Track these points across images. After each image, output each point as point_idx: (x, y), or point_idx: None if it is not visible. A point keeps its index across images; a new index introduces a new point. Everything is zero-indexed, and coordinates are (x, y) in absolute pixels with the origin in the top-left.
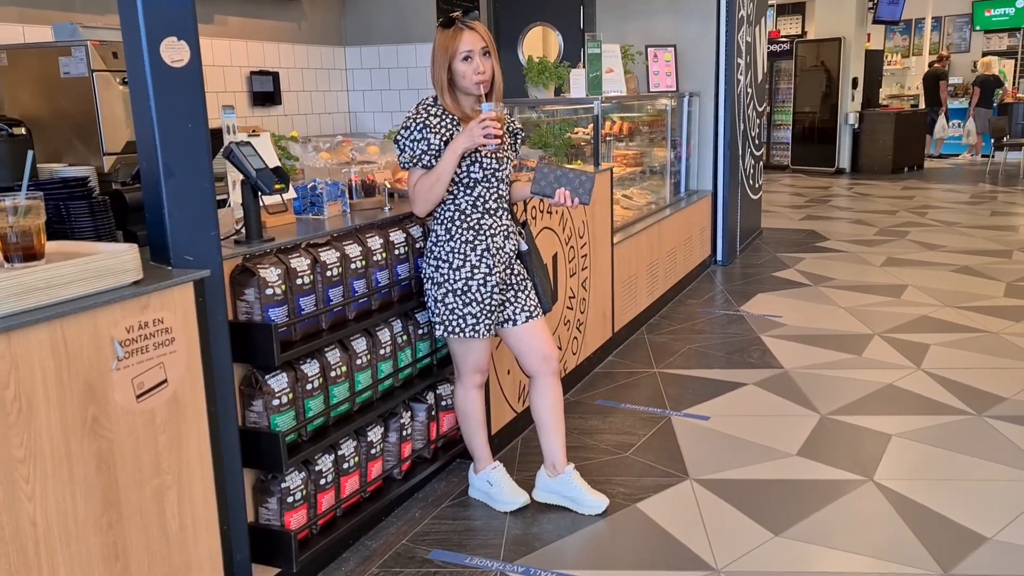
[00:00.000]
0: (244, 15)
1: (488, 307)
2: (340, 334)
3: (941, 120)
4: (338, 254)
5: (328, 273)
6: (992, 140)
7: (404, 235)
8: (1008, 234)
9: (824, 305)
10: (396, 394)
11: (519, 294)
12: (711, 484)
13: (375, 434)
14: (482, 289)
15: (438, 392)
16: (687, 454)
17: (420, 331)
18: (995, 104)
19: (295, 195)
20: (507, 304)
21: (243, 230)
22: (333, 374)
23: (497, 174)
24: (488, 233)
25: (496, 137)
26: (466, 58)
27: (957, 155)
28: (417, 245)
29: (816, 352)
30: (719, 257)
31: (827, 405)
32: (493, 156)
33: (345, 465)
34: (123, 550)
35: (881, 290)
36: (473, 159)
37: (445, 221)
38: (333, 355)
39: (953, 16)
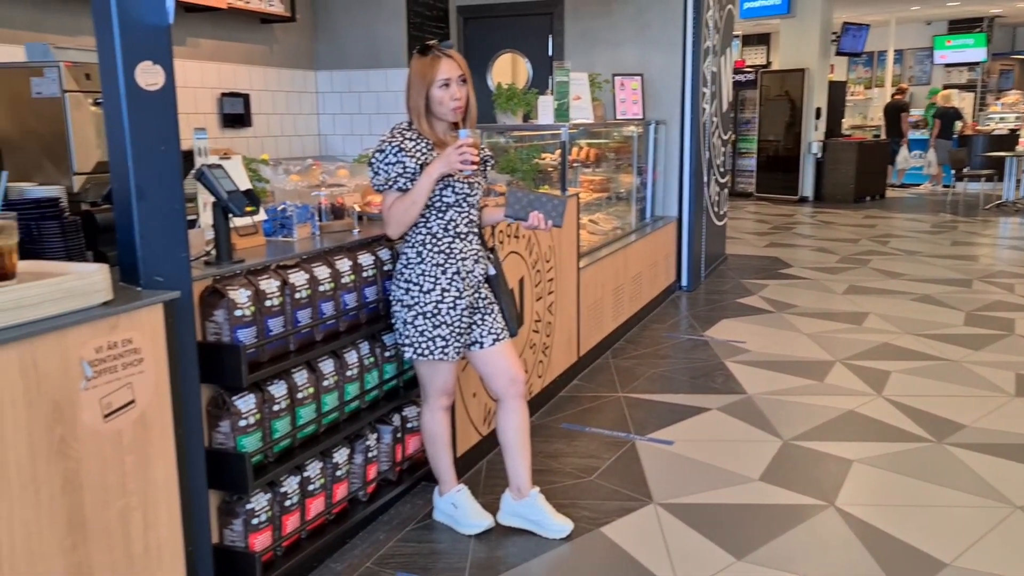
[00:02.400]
0: (216, 38)
1: (457, 330)
2: (308, 356)
3: (903, 150)
4: (307, 276)
5: (297, 295)
6: (952, 171)
7: (372, 258)
8: (968, 263)
9: (787, 331)
10: (362, 416)
11: (486, 317)
12: (675, 508)
13: (341, 456)
14: (452, 312)
15: (404, 414)
16: (651, 478)
17: (387, 353)
18: (955, 136)
19: (265, 217)
20: (474, 327)
21: (213, 252)
22: (300, 395)
23: (468, 199)
24: (459, 257)
25: (472, 163)
26: (444, 85)
27: (919, 185)
28: (385, 268)
29: (779, 378)
30: (684, 283)
31: (789, 430)
32: (465, 181)
33: (311, 487)
34: (88, 572)
35: (843, 317)
36: (446, 183)
37: (416, 244)
38: (300, 376)
39: (914, 49)
